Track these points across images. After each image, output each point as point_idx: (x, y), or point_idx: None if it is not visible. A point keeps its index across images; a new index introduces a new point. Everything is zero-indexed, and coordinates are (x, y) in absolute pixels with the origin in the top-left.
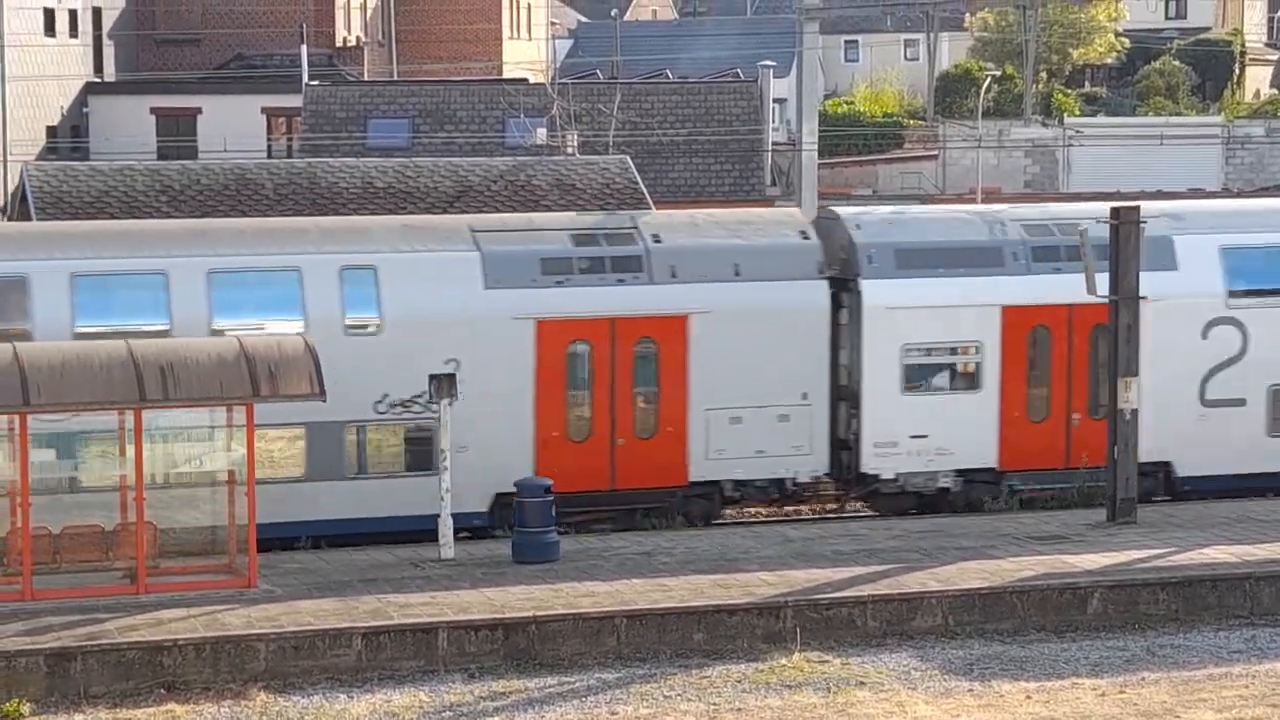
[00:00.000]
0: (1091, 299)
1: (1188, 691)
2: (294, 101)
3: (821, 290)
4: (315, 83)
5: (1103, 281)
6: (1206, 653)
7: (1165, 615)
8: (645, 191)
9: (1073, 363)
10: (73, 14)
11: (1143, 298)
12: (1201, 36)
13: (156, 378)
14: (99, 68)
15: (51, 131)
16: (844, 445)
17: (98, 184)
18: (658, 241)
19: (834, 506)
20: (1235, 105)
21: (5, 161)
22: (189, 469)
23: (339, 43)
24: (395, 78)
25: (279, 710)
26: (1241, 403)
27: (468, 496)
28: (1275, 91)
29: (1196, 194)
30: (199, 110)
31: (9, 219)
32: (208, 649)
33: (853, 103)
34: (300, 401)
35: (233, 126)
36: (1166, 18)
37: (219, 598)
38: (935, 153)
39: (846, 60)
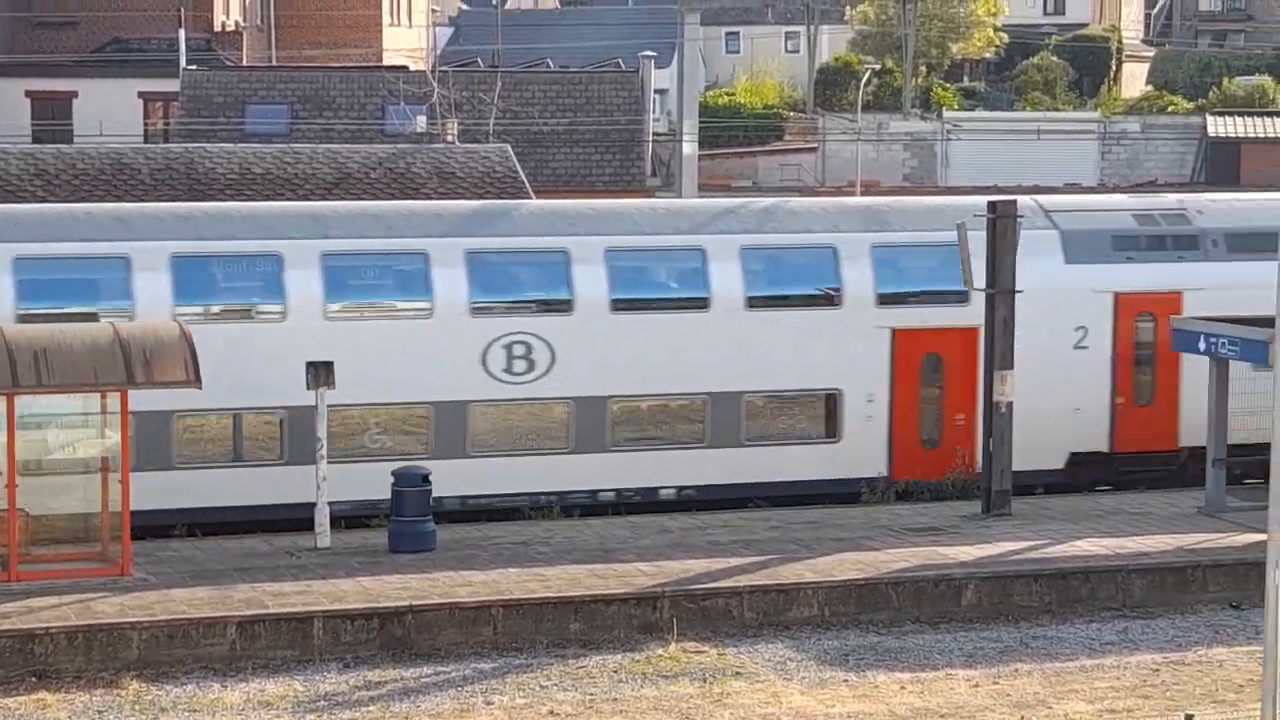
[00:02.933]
0: None
1: (1060, 682)
2: (171, 86)
3: None
4: (193, 67)
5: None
6: (1079, 644)
7: (1039, 607)
8: (525, 181)
9: None
10: None
11: None
12: (1079, 33)
13: (29, 363)
14: None
15: None
16: None
17: None
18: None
19: None
20: (1112, 101)
21: None
22: (62, 455)
23: (217, 27)
24: (274, 63)
25: (152, 699)
26: None
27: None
28: (1151, 88)
29: (1072, 189)
30: (75, 94)
31: None
32: (80, 637)
33: (733, 94)
34: (177, 389)
35: (109, 110)
36: (1045, 13)
37: (92, 586)
38: (815, 145)
39: (727, 51)
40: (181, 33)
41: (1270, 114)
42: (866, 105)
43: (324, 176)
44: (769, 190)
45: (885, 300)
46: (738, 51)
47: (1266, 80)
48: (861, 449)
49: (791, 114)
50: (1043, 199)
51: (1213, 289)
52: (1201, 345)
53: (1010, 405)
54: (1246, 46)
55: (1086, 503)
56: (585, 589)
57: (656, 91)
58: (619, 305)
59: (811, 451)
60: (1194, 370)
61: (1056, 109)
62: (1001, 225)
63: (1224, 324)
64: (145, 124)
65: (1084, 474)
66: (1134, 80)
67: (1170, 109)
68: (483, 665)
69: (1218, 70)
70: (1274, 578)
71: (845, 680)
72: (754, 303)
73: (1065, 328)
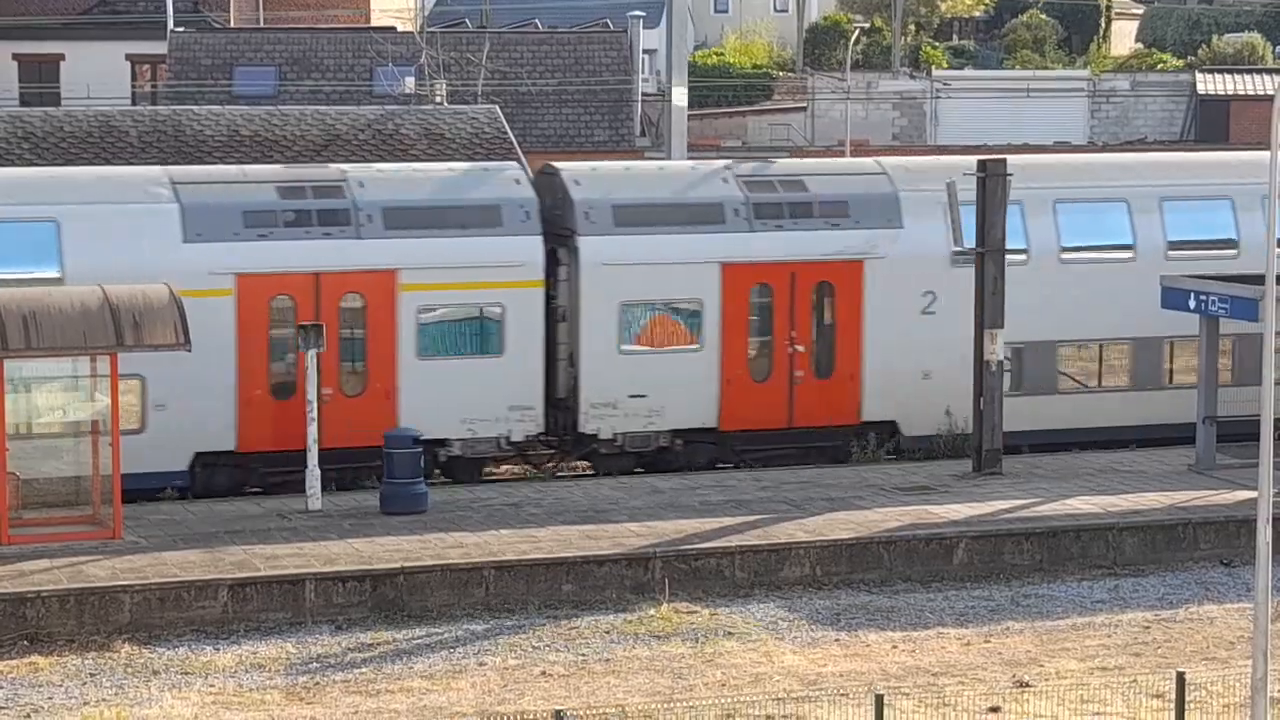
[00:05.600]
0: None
1: (1051, 641)
2: (159, 48)
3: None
4: (180, 29)
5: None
6: (1070, 602)
7: (1030, 565)
8: (515, 142)
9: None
10: None
11: None
12: None
13: (19, 327)
14: None
15: None
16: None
17: None
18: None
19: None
20: (1101, 59)
21: None
22: (52, 419)
23: None
24: (261, 25)
25: (144, 662)
26: None
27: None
28: (1140, 46)
29: (1061, 147)
30: (62, 56)
31: None
32: (72, 600)
33: (722, 54)
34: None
35: (97, 73)
36: None
37: (83, 549)
38: (804, 105)
39: (716, 11)
40: None
41: (1259, 71)
42: (855, 64)
43: (313, 138)
44: (759, 150)
45: None
46: (726, 11)
47: (1256, 38)
48: None
49: (780, 73)
50: None
51: None
52: (1191, 303)
53: (1001, 363)
54: (1236, 4)
55: (1078, 461)
56: (577, 550)
57: (645, 51)
58: None
59: None
60: None
61: (1046, 67)
62: (992, 184)
63: (1214, 281)
64: (133, 86)
65: None
66: (1123, 38)
67: (1159, 67)
68: (475, 626)
69: (1207, 27)
70: (1264, 535)
71: (837, 639)
72: None
73: None
